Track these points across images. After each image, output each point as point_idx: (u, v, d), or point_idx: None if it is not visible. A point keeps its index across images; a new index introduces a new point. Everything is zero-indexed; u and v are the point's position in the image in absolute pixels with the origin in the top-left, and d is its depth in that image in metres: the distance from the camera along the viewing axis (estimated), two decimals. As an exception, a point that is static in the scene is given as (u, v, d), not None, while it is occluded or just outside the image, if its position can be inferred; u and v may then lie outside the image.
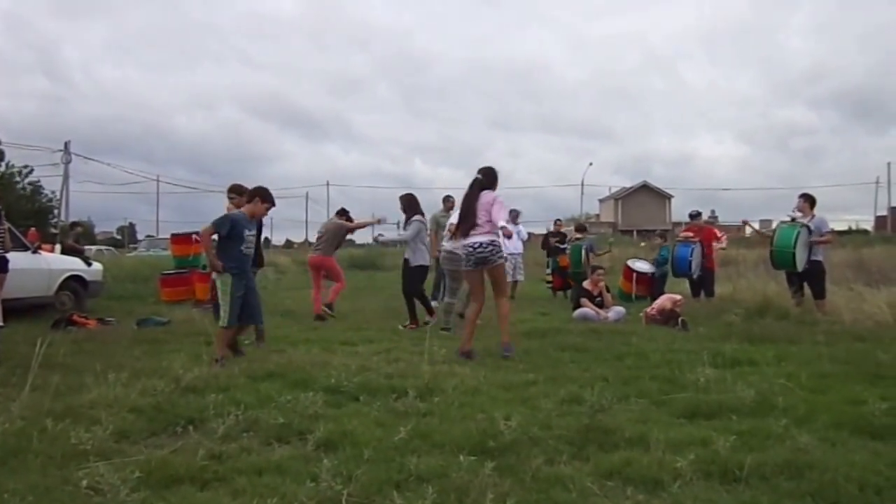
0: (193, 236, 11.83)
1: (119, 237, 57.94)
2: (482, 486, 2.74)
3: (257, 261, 6.79)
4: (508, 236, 6.61)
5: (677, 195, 59.94)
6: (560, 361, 5.89)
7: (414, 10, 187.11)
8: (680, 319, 8.16)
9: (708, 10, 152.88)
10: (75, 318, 8.50)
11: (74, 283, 9.97)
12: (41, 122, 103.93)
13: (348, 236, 10.52)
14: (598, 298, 9.39)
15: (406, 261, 8.66)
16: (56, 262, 9.95)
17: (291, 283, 17.53)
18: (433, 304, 9.28)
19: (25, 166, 30.52)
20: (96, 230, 50.61)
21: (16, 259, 7.80)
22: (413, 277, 8.62)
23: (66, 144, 33.40)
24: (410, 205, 8.72)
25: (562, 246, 12.69)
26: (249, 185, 6.66)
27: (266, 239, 44.40)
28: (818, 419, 3.81)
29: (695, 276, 10.73)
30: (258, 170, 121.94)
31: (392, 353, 6.20)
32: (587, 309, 9.12)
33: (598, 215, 60.72)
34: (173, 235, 13.14)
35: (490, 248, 6.18)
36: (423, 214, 8.79)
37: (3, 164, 29.59)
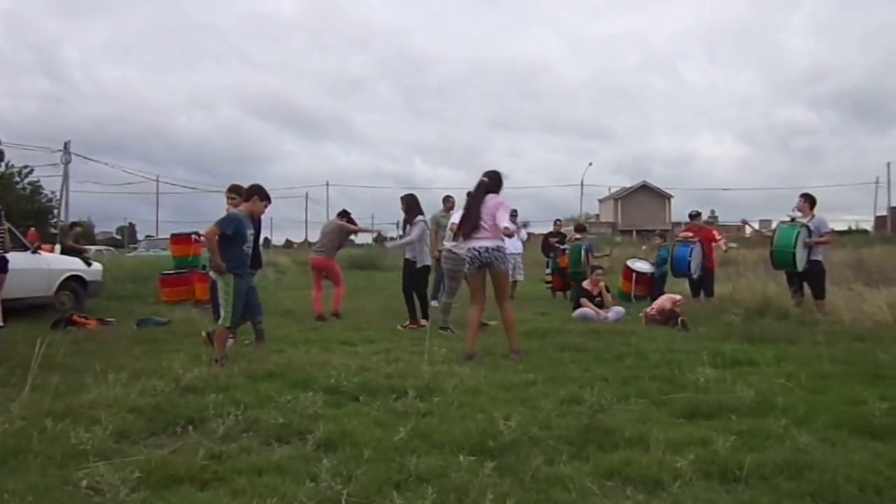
0: (193, 236, 11.84)
1: (119, 237, 57.90)
2: (482, 486, 2.74)
3: (256, 261, 6.78)
4: (510, 236, 6.60)
5: (677, 195, 60.10)
6: (560, 361, 5.90)
7: (414, 10, 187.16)
8: (680, 319, 8.16)
9: (708, 10, 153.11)
10: (75, 318, 8.50)
11: (74, 284, 9.97)
12: (41, 122, 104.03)
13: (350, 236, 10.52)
14: (598, 298, 9.40)
15: (408, 261, 8.65)
16: (56, 263, 9.95)
17: (291, 283, 17.53)
18: (433, 303, 9.28)
19: (25, 166, 30.53)
20: (96, 230, 50.56)
21: (16, 259, 7.80)
22: (418, 278, 8.64)
23: (66, 144, 33.41)
24: (412, 205, 8.72)
25: (561, 246, 12.69)
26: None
27: (266, 239, 44.48)
28: (818, 419, 3.81)
29: (694, 276, 10.73)
30: (258, 170, 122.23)
31: (392, 353, 6.20)
32: (587, 309, 9.13)
33: (597, 215, 60.74)
34: (173, 235, 13.14)
35: (496, 253, 6.19)
36: (423, 215, 8.80)
37: (3, 164, 29.58)
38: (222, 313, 5.81)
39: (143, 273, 14.60)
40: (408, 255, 8.66)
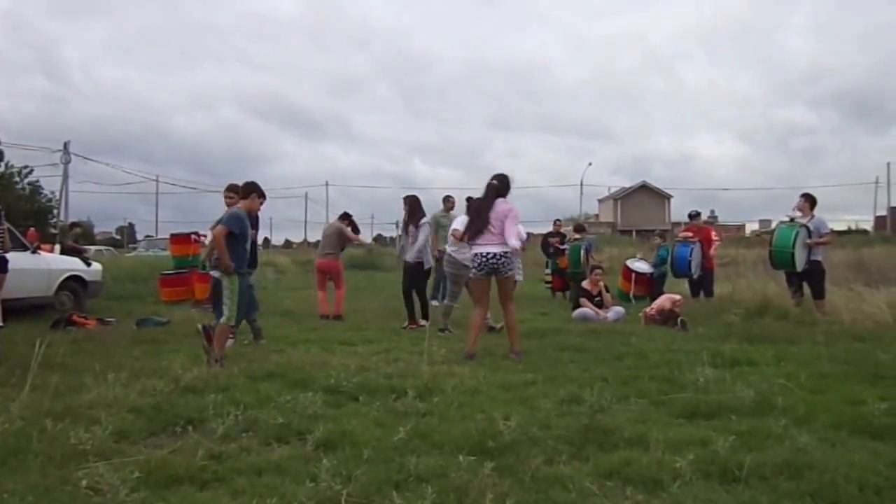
0: (192, 236, 11.84)
1: (118, 237, 57.93)
2: (481, 487, 2.74)
3: (252, 260, 6.78)
4: (519, 251, 6.62)
5: (677, 195, 59.99)
6: (559, 361, 5.90)
7: (414, 10, 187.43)
8: (679, 319, 8.16)
9: (708, 10, 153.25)
10: (75, 318, 8.50)
11: (74, 284, 9.96)
12: (41, 122, 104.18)
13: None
14: (598, 298, 9.40)
15: (412, 262, 8.66)
16: (55, 263, 9.94)
17: (291, 284, 17.53)
18: (433, 303, 9.28)
19: (25, 166, 30.46)
20: (96, 230, 50.55)
21: (15, 259, 7.80)
22: (420, 278, 8.67)
23: (66, 144, 33.40)
24: (416, 206, 8.75)
25: (561, 246, 12.68)
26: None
27: (266, 239, 44.51)
28: (818, 419, 3.81)
29: (694, 277, 10.73)
30: (258, 170, 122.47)
31: (391, 354, 6.19)
32: (586, 309, 9.13)
33: (597, 215, 60.69)
34: (172, 235, 13.13)
35: (503, 259, 6.17)
36: (426, 216, 8.83)
37: (3, 164, 29.54)
38: (226, 312, 5.80)
39: (142, 273, 14.59)
40: (410, 256, 8.67)
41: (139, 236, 54.17)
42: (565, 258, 12.22)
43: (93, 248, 25.32)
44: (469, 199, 7.45)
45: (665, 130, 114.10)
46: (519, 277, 11.79)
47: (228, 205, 6.82)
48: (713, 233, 11.62)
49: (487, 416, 3.78)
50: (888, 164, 48.31)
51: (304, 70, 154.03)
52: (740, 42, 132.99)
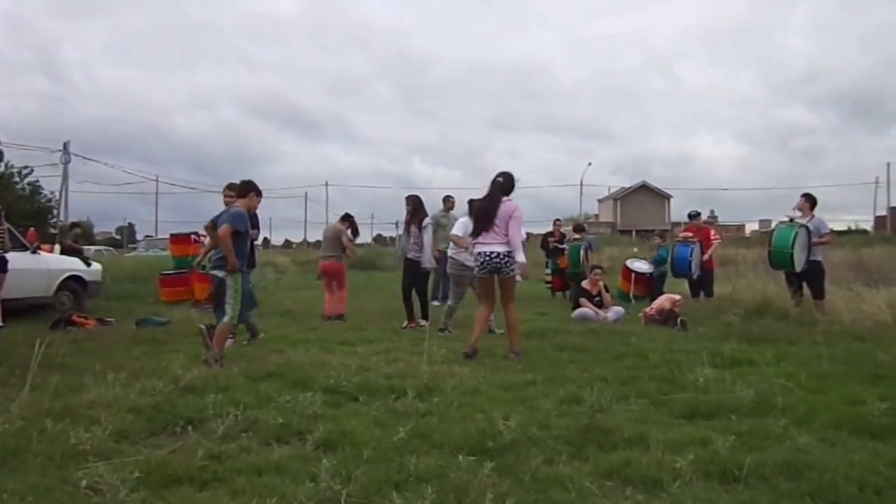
0: (192, 237, 11.83)
1: (118, 237, 57.91)
2: (481, 487, 2.74)
3: (251, 260, 6.78)
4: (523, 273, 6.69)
5: (676, 195, 60.01)
6: (559, 361, 5.90)
7: (414, 10, 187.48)
8: (679, 319, 8.16)
9: (708, 10, 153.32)
10: (74, 318, 8.50)
11: (73, 284, 9.96)
12: (40, 122, 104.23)
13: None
14: (597, 298, 9.40)
15: (412, 261, 8.68)
16: (55, 263, 9.95)
17: (291, 284, 17.54)
18: (434, 303, 9.28)
19: (25, 166, 30.47)
20: (95, 230, 50.55)
21: (15, 259, 7.80)
22: (420, 277, 8.69)
23: (66, 145, 33.41)
24: (419, 206, 8.77)
25: (560, 246, 12.68)
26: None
27: (265, 239, 44.47)
28: (817, 419, 3.81)
29: (694, 277, 10.73)
30: (257, 170, 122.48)
31: (391, 354, 6.19)
32: (586, 309, 9.13)
33: (596, 215, 60.70)
34: (172, 236, 13.14)
35: (505, 258, 6.19)
36: (428, 216, 8.85)
37: (3, 164, 29.54)
38: (229, 311, 5.81)
39: (142, 273, 14.59)
40: (411, 255, 8.68)
41: (139, 236, 54.23)
42: (565, 258, 12.22)
43: (92, 248, 25.33)
44: (471, 202, 7.45)
45: (665, 130, 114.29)
46: (519, 278, 11.79)
47: (227, 203, 6.82)
48: (712, 232, 11.62)
49: (487, 416, 3.78)
50: (888, 164, 48.41)
51: (303, 70, 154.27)
52: (740, 42, 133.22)
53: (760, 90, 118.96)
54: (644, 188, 59.46)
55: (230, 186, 7.05)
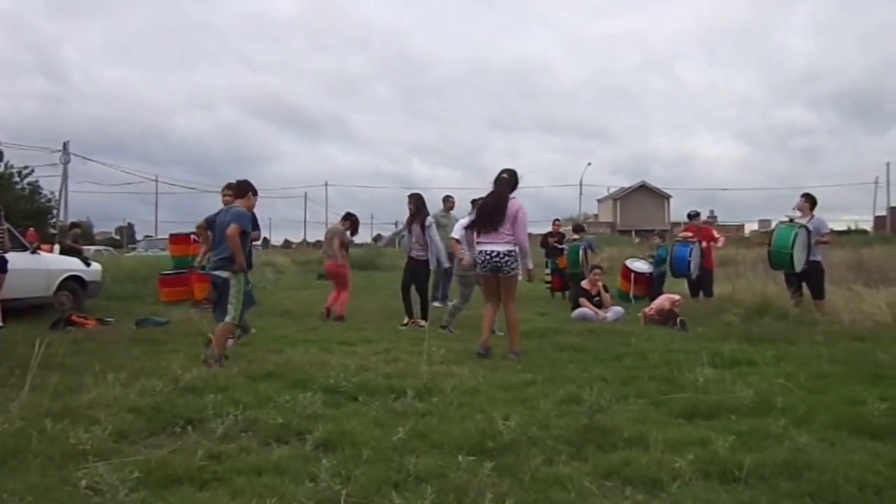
0: (192, 237, 11.81)
1: (118, 237, 57.89)
2: (481, 487, 2.74)
3: (249, 262, 6.78)
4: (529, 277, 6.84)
5: (676, 195, 60.05)
6: (559, 362, 5.90)
7: (413, 10, 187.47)
8: (678, 319, 8.16)
9: (707, 11, 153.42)
10: (74, 318, 8.48)
11: (73, 284, 9.95)
12: (40, 122, 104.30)
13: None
14: (597, 298, 9.40)
15: (415, 260, 8.69)
16: (55, 263, 9.94)
17: (290, 284, 17.54)
18: (434, 304, 9.27)
19: (25, 167, 30.44)
20: (95, 230, 50.54)
21: (15, 259, 7.80)
22: (422, 276, 8.73)
23: (65, 145, 33.45)
24: (421, 205, 8.79)
25: (560, 246, 12.68)
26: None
27: (265, 239, 44.44)
28: (817, 419, 3.81)
29: (693, 277, 10.73)
30: (257, 170, 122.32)
31: (391, 354, 6.19)
32: (586, 309, 9.13)
33: (596, 215, 60.70)
34: (172, 236, 13.13)
35: (507, 258, 6.21)
36: (429, 215, 8.88)
37: (3, 164, 29.51)
38: (231, 311, 5.81)
39: (141, 273, 14.58)
40: (416, 254, 8.68)
41: (138, 236, 54.23)
42: (564, 258, 12.22)
43: (92, 248, 25.32)
44: (475, 202, 7.46)
45: (664, 130, 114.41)
46: (519, 277, 11.81)
47: (226, 203, 6.81)
48: (715, 232, 11.62)
49: (487, 416, 3.78)
50: (888, 164, 48.42)
51: (303, 70, 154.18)
52: (740, 42, 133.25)
53: (760, 90, 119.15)
54: (644, 188, 59.46)
55: (229, 186, 7.05)
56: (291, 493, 2.72)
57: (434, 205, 10.51)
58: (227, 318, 5.81)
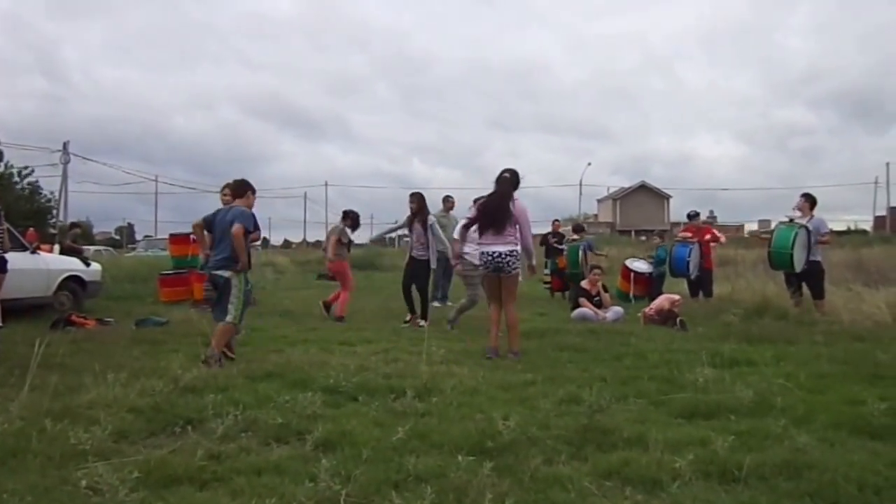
0: (192, 237, 11.81)
1: (118, 237, 57.88)
2: (481, 487, 2.74)
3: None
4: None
5: (676, 195, 60.01)
6: (558, 362, 5.90)
7: (413, 10, 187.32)
8: (678, 319, 8.16)
9: (707, 11, 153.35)
10: (74, 318, 8.48)
11: (73, 284, 9.95)
12: (40, 122, 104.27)
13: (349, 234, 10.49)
14: (597, 298, 9.40)
15: (416, 259, 8.70)
16: (55, 263, 9.93)
17: (290, 284, 17.54)
18: (434, 304, 9.28)
19: (25, 167, 30.45)
20: (95, 230, 50.50)
21: (14, 259, 7.80)
22: (423, 274, 8.73)
23: (65, 145, 33.43)
24: (423, 204, 8.81)
25: (559, 246, 12.69)
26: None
27: (265, 239, 44.42)
28: (817, 419, 3.81)
29: (693, 277, 10.74)
30: (257, 170, 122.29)
31: (390, 354, 6.19)
32: (586, 309, 9.13)
33: (596, 215, 60.69)
34: (172, 236, 13.11)
35: (508, 258, 6.22)
36: (430, 214, 8.90)
37: (3, 164, 29.52)
38: (232, 311, 5.81)
39: (141, 273, 14.58)
40: (417, 254, 8.69)
41: (138, 236, 54.20)
42: (563, 258, 12.23)
43: (91, 248, 25.32)
44: (476, 201, 7.47)
45: (664, 130, 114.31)
46: (519, 278, 11.83)
47: (225, 203, 6.81)
48: (715, 232, 11.63)
49: (486, 416, 3.78)
50: (888, 164, 48.33)
51: (303, 70, 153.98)
52: (740, 42, 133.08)
53: (760, 90, 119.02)
54: (643, 188, 59.45)
55: (228, 186, 7.05)
56: (291, 493, 2.72)
57: (434, 205, 10.53)
58: (228, 318, 5.80)
